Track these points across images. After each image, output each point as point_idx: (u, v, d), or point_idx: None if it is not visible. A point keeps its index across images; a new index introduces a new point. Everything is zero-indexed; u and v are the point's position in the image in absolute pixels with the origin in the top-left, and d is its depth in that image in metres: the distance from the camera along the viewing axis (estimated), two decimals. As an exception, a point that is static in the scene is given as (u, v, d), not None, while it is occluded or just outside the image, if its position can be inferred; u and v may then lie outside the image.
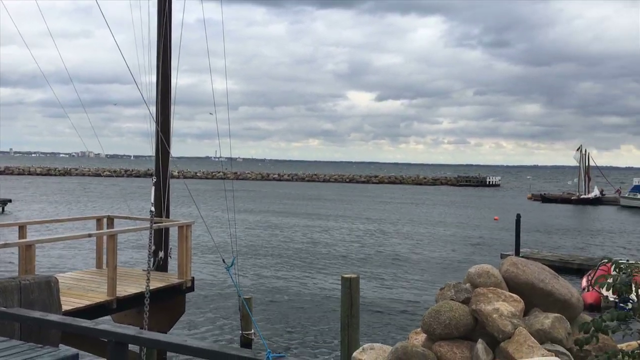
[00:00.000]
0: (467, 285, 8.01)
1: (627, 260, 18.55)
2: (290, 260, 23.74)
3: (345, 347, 8.76)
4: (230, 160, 18.69)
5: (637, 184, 67.00)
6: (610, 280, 3.60)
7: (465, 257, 24.78)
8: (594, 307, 16.45)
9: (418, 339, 7.97)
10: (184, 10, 10.84)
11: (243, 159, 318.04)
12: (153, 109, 10.82)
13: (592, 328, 3.32)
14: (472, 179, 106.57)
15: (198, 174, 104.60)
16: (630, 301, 15.94)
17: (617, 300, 16.15)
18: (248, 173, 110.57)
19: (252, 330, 10.76)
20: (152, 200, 7.16)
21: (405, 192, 77.79)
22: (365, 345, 8.20)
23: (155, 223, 9.82)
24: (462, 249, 27.85)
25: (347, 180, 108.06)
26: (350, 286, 8.84)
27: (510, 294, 7.58)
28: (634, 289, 4.36)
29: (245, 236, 29.66)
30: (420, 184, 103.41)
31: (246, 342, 10.71)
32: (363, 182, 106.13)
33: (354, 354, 8.03)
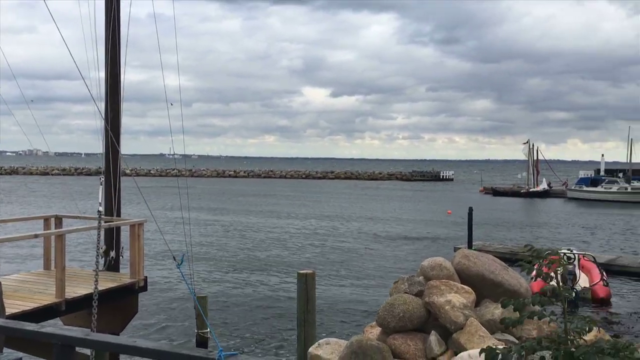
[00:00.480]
0: (421, 278, 8.15)
1: (571, 251, 19.12)
2: (247, 259, 23.61)
3: (301, 343, 8.78)
4: (185, 157, 18.42)
5: (582, 176, 69.54)
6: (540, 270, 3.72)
7: (419, 251, 25.18)
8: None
9: (373, 332, 8.07)
10: (132, 5, 10.60)
11: (198, 156, 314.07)
12: (102, 105, 10.56)
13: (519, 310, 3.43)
14: (426, 174, 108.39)
15: (152, 172, 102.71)
16: (574, 289, 16.60)
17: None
18: (203, 170, 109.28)
19: (208, 329, 10.65)
20: (100, 200, 6.98)
21: (361, 188, 78.45)
22: (321, 341, 8.24)
23: (105, 222, 9.59)
24: (416, 242, 28.29)
25: (304, 176, 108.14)
26: (306, 282, 8.85)
27: (462, 285, 7.76)
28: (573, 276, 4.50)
29: (200, 235, 29.32)
30: (376, 179, 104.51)
31: (202, 341, 10.59)
32: (319, 178, 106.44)
33: (310, 349, 8.06)
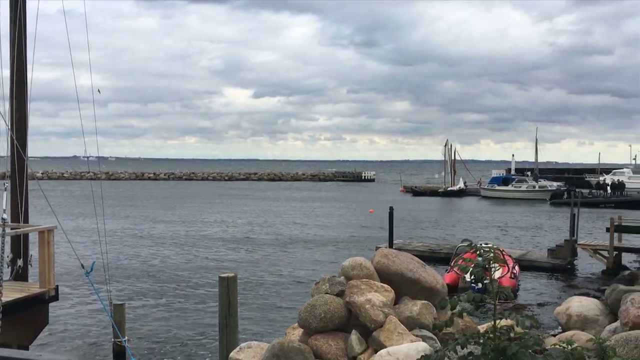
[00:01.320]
0: (342, 278, 8.24)
1: (486, 244, 19.87)
2: (166, 265, 23.01)
3: (223, 347, 8.64)
4: (100, 159, 17.67)
5: (495, 175, 72.98)
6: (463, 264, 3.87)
7: (341, 251, 25.48)
8: (450, 288, 17.67)
9: (295, 334, 8.07)
10: (40, 0, 10.05)
11: (116, 158, 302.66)
12: (7, 105, 9.95)
13: (450, 312, 3.52)
14: (348, 174, 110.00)
15: (65, 175, 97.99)
16: (485, 281, 17.37)
17: (473, 281, 17.49)
18: (121, 173, 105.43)
19: (126, 338, 10.28)
20: (4, 206, 6.55)
21: (285, 189, 78.47)
22: (243, 345, 8.15)
23: (12, 229, 9.03)
24: (339, 242, 28.63)
25: (226, 178, 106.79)
26: (227, 285, 8.73)
27: (382, 284, 7.92)
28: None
29: (116, 242, 28.28)
30: (299, 180, 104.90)
31: (119, 351, 10.21)
32: (242, 179, 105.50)
33: (231, 354, 7.95)
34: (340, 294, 7.81)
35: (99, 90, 9.96)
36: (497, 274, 19.09)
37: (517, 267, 19.47)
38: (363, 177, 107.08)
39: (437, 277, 8.52)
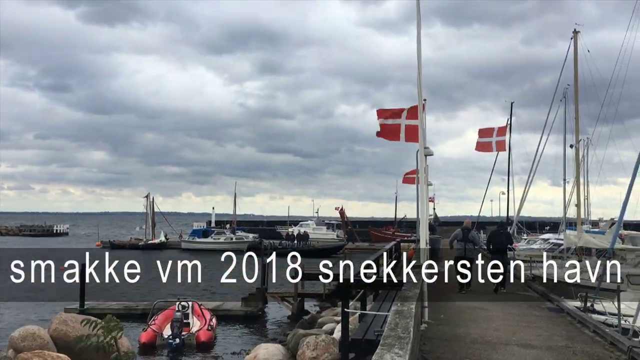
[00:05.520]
0: (10, 352, 7.25)
1: (186, 300, 19.83)
2: None
3: None
4: None
5: (195, 228, 74.47)
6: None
7: (23, 318, 22.53)
8: (147, 346, 17.19)
9: None
10: None
11: None
12: None
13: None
14: (37, 228, 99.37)
15: None
16: (183, 335, 17.41)
17: (170, 337, 17.34)
18: None
19: None
20: None
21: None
22: None
23: None
24: (20, 307, 25.28)
25: None
26: None
27: (58, 354, 7.21)
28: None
29: None
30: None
31: None
32: None
33: None
34: (7, 371, 6.85)
35: None
36: (194, 328, 19.28)
37: (214, 319, 19.99)
38: (55, 231, 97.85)
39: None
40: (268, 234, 72.54)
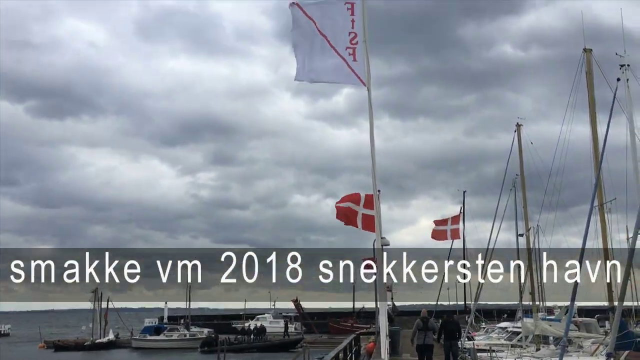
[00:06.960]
0: None
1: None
2: None
3: None
4: None
5: (147, 324, 71.01)
6: None
7: None
8: None
9: None
10: None
11: None
12: None
13: None
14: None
15: None
16: None
17: None
18: None
19: None
20: None
21: None
22: None
23: None
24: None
25: None
26: None
27: None
28: None
29: None
30: None
31: None
32: None
33: None
34: None
35: None
36: None
37: None
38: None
39: None
40: (223, 329, 69.84)
